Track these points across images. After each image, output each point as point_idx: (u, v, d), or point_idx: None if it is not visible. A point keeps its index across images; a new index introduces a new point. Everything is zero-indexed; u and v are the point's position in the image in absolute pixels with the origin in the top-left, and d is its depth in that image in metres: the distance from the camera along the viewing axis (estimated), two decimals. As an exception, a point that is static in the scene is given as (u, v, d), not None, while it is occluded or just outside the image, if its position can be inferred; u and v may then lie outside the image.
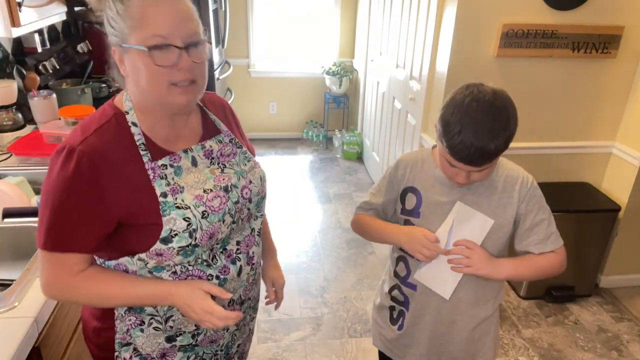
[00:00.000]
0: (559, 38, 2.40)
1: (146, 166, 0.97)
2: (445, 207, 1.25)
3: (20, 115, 2.26)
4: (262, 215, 1.20)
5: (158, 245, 0.97)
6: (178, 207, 0.97)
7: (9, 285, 1.28)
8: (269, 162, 4.50)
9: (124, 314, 1.06)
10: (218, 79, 3.61)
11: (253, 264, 1.16)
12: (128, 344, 1.09)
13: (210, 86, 3.37)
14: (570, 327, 2.56)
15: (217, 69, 3.57)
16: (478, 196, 1.24)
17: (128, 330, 1.08)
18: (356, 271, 2.98)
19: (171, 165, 1.01)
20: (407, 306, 1.37)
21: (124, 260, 1.01)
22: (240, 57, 4.60)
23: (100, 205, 0.94)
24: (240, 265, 1.11)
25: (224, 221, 1.04)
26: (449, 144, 1.11)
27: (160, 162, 0.99)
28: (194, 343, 1.12)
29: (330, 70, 4.59)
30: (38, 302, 1.22)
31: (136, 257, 1.00)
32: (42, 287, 1.00)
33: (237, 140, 1.16)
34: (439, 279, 1.26)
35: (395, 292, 1.38)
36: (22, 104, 2.27)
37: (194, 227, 0.98)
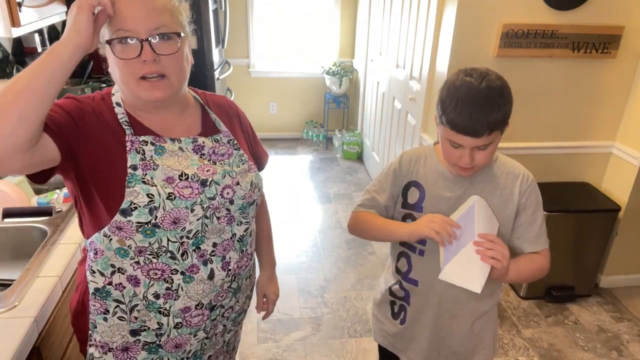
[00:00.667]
0: (559, 38, 2.40)
1: (126, 138, 1.00)
2: (449, 202, 1.26)
3: (20, 115, 2.26)
4: (247, 222, 1.15)
5: (118, 217, 0.97)
6: (145, 183, 0.98)
7: (9, 285, 1.28)
8: (269, 162, 4.47)
9: (92, 297, 1.07)
10: (218, 79, 3.60)
11: (229, 270, 1.12)
12: (96, 327, 1.10)
13: (211, 86, 3.37)
14: (570, 327, 2.56)
15: (217, 69, 3.57)
16: (481, 192, 1.25)
17: (95, 312, 1.09)
18: (356, 271, 2.98)
19: (153, 144, 1.02)
20: (407, 301, 1.37)
21: (94, 237, 1.03)
22: (240, 57, 4.60)
23: (73, 123, 0.96)
24: (212, 268, 1.08)
25: (192, 210, 1.02)
26: (448, 118, 1.12)
27: (142, 138, 1.01)
28: (158, 343, 1.10)
29: (330, 70, 4.59)
30: (38, 302, 1.22)
31: (102, 233, 1.00)
32: None
33: (236, 142, 1.15)
34: (467, 273, 1.15)
35: (396, 288, 1.39)
36: (22, 104, 2.26)
37: (155, 204, 0.98)
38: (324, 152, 4.78)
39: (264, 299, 1.43)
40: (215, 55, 3.48)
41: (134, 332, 1.09)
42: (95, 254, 1.04)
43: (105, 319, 1.08)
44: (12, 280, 1.30)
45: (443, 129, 1.17)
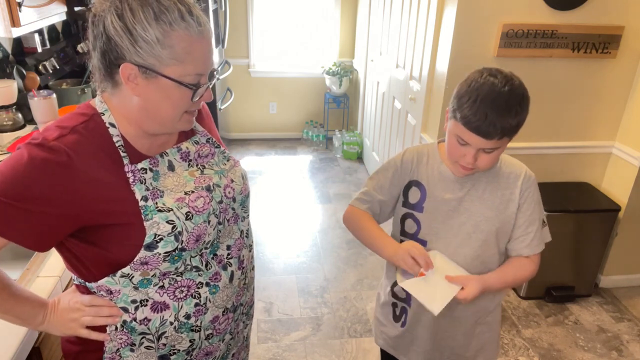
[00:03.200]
0: (559, 38, 2.40)
1: (126, 169, 0.93)
2: (450, 204, 1.25)
3: (20, 115, 2.26)
4: (248, 215, 1.16)
5: (142, 253, 0.92)
6: (160, 210, 0.93)
7: (9, 285, 1.28)
8: (269, 162, 4.50)
9: (114, 332, 1.01)
10: (218, 79, 3.61)
11: (243, 267, 1.12)
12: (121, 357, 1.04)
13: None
14: (570, 327, 2.56)
15: (217, 69, 3.57)
16: (482, 192, 1.25)
17: (118, 350, 1.03)
18: (356, 271, 2.98)
19: (150, 170, 0.96)
20: (409, 302, 1.37)
21: (104, 281, 0.96)
22: (240, 57, 4.60)
23: (56, 204, 0.86)
24: (232, 271, 1.08)
25: (209, 222, 1.00)
26: (463, 114, 1.10)
27: (140, 166, 0.95)
28: (188, 359, 1.08)
29: (330, 70, 4.59)
30: (38, 302, 1.22)
31: (118, 274, 0.95)
32: None
33: (214, 140, 1.12)
34: (430, 291, 1.20)
35: (397, 288, 1.38)
36: (22, 104, 2.26)
37: (179, 229, 0.94)
38: (324, 152, 4.78)
39: None
40: (215, 55, 3.48)
41: (162, 358, 1.05)
42: (110, 293, 0.98)
43: (132, 350, 1.03)
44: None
45: (454, 124, 1.15)
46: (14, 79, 2.26)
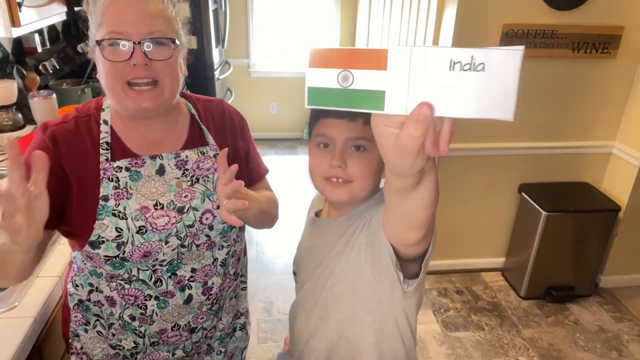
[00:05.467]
0: (559, 38, 2.40)
1: (100, 165, 0.95)
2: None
3: (20, 115, 2.26)
4: (229, 245, 1.08)
5: (87, 248, 0.95)
6: (114, 215, 0.93)
7: (9, 285, 1.28)
8: (269, 162, 4.47)
9: (74, 307, 1.07)
10: (218, 79, 3.60)
11: (211, 294, 1.07)
12: (77, 336, 1.10)
13: (211, 86, 3.37)
14: (570, 327, 2.56)
15: (217, 69, 3.57)
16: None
17: (77, 322, 1.09)
18: (356, 271, 2.98)
19: (127, 169, 0.96)
20: None
21: (75, 254, 1.03)
22: (240, 57, 4.60)
23: (55, 175, 0.92)
24: (190, 294, 1.04)
25: (166, 242, 0.97)
26: (314, 113, 0.93)
27: (116, 164, 0.96)
28: (135, 359, 1.10)
29: (330, 70, 4.59)
30: (38, 302, 1.22)
31: (79, 253, 1.01)
32: None
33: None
34: None
35: None
36: (22, 104, 2.26)
37: (123, 239, 0.93)
38: (324, 152, 4.78)
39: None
40: (215, 55, 3.48)
41: (113, 347, 1.09)
42: (78, 269, 1.05)
43: (86, 330, 1.09)
44: (12, 280, 1.30)
45: (312, 138, 0.94)
46: (14, 79, 2.26)
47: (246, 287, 1.28)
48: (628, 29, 2.43)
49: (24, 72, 2.32)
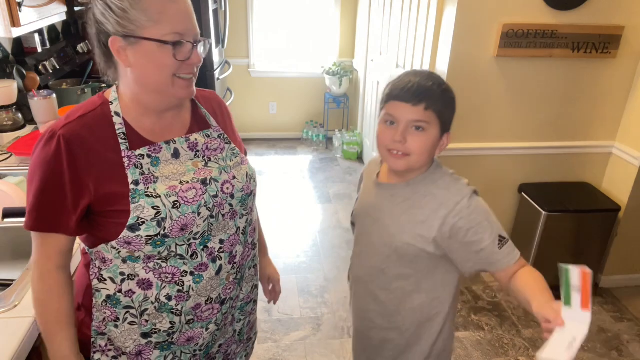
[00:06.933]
0: (559, 38, 2.40)
1: (123, 154, 0.99)
2: (371, 212, 1.26)
3: (20, 115, 2.26)
4: (248, 213, 1.18)
5: (126, 233, 0.98)
6: (148, 196, 0.98)
7: (9, 285, 1.28)
8: (269, 162, 4.50)
9: (101, 305, 1.07)
10: (218, 79, 3.60)
11: (235, 262, 1.15)
12: (103, 334, 1.10)
13: (211, 86, 3.37)
14: (570, 327, 2.55)
15: (217, 69, 3.57)
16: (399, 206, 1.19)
17: (104, 320, 1.09)
18: (356, 271, 2.98)
19: (149, 156, 1.02)
20: None
21: (101, 247, 1.03)
22: (240, 57, 4.60)
23: (76, 186, 0.96)
24: (221, 265, 1.11)
25: (199, 214, 1.03)
26: (388, 90, 1.12)
27: (137, 152, 1.01)
28: (170, 341, 1.11)
29: (330, 70, 4.59)
30: (38, 302, 1.22)
31: (109, 244, 1.01)
32: (31, 270, 1.04)
33: (226, 136, 1.17)
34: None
35: None
36: (22, 104, 2.26)
37: (162, 215, 0.99)
38: (324, 152, 4.78)
39: (270, 283, 1.48)
40: (215, 55, 3.48)
41: (145, 335, 1.09)
42: (104, 262, 1.04)
43: (117, 326, 1.08)
44: (12, 280, 1.30)
45: (383, 110, 1.15)
46: (14, 79, 2.26)
47: (258, 261, 1.35)
48: (628, 29, 2.43)
49: (24, 72, 2.32)
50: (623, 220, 2.65)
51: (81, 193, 0.97)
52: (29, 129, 2.27)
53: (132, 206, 0.97)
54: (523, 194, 2.68)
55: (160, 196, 0.99)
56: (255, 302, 1.34)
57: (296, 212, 3.67)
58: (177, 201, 1.00)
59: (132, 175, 0.99)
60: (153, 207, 0.98)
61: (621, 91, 2.59)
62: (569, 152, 2.71)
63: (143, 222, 0.98)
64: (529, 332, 2.51)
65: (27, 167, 1.92)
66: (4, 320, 1.15)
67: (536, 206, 2.57)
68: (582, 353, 2.39)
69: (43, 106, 2.23)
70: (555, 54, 2.44)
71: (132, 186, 0.98)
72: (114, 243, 1.01)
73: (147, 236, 0.98)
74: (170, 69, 0.97)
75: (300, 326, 2.51)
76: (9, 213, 1.56)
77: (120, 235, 0.99)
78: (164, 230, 0.99)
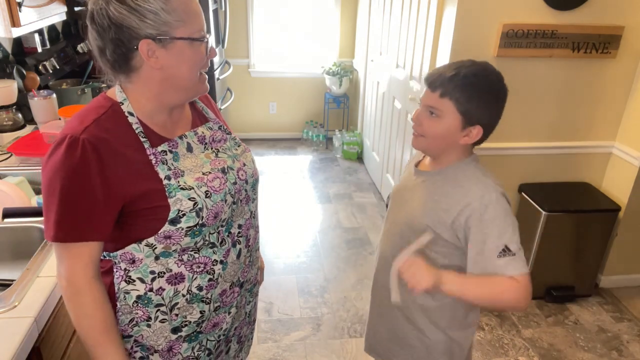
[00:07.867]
0: (559, 38, 2.40)
1: (148, 152, 1.01)
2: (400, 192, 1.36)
3: (20, 115, 2.26)
4: (256, 198, 1.24)
5: (167, 227, 1.00)
6: (182, 189, 1.01)
7: (9, 285, 1.28)
8: (269, 162, 4.50)
9: (131, 306, 1.07)
10: (218, 79, 3.60)
11: (249, 245, 1.20)
12: (129, 336, 1.10)
13: (211, 86, 3.36)
14: (570, 327, 2.56)
15: (217, 69, 3.57)
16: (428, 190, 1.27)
17: (132, 321, 1.08)
18: (356, 271, 2.98)
19: (170, 151, 1.04)
20: None
21: (130, 248, 1.02)
22: (240, 57, 4.60)
23: (108, 190, 0.96)
24: (240, 249, 1.16)
25: (225, 201, 1.08)
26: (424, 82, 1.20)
27: (160, 149, 1.03)
28: (198, 330, 1.14)
29: (330, 70, 4.59)
30: (38, 302, 1.22)
31: (144, 242, 1.02)
32: (62, 286, 1.00)
33: (225, 127, 1.20)
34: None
35: None
36: (22, 104, 2.26)
37: (200, 206, 1.02)
38: (324, 152, 4.78)
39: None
40: (215, 55, 3.48)
41: (175, 330, 1.11)
42: (132, 262, 1.04)
43: (149, 325, 1.09)
44: (12, 280, 1.30)
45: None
46: (14, 79, 2.26)
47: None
48: (628, 29, 2.43)
49: (24, 72, 2.32)
50: (623, 220, 2.65)
51: (114, 196, 0.97)
52: (29, 129, 2.27)
53: (170, 200, 0.99)
54: (523, 194, 2.68)
55: (192, 188, 1.02)
56: (259, 283, 1.40)
57: (296, 212, 3.67)
58: (207, 191, 1.04)
59: (162, 171, 1.01)
60: (189, 199, 1.01)
61: (621, 91, 2.59)
62: (569, 152, 2.71)
63: (184, 214, 1.00)
64: (529, 332, 2.51)
65: (27, 167, 1.93)
66: (4, 320, 1.16)
67: (536, 206, 2.57)
68: (582, 353, 2.39)
69: (43, 106, 2.23)
70: (555, 54, 2.44)
71: (165, 181, 1.00)
72: (150, 240, 1.01)
73: (188, 227, 1.01)
74: (199, 65, 1.02)
75: (300, 326, 2.51)
76: (9, 213, 1.56)
77: (161, 230, 1.00)
78: (202, 220, 1.03)
